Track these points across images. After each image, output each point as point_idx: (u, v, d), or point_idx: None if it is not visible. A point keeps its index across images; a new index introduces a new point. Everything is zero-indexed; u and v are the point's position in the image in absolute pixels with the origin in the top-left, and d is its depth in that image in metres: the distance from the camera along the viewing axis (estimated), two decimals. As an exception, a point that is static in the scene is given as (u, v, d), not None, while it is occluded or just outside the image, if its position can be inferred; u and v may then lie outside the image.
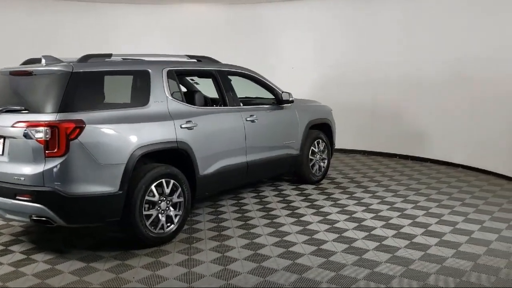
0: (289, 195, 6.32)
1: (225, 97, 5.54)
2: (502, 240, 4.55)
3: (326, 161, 7.14)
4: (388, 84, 9.03)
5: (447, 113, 8.16)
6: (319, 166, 7.01)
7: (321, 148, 7.02)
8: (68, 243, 4.66)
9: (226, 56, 9.19)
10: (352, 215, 5.39)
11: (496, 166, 7.33)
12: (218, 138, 5.22)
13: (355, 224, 5.07)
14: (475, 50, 7.55)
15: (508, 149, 7.03)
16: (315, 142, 6.89)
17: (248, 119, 5.65)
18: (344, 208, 5.67)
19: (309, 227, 5.01)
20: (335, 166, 8.33)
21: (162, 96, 4.72)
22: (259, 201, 6.02)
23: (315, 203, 5.93)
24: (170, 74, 4.92)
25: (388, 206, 5.72)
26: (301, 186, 6.81)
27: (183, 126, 4.76)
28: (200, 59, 5.68)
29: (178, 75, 5.14)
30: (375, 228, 4.96)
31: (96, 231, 4.95)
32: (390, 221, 5.16)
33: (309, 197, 6.23)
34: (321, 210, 5.62)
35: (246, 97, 7.06)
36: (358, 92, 9.41)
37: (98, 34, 9.62)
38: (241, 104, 5.79)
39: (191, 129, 4.84)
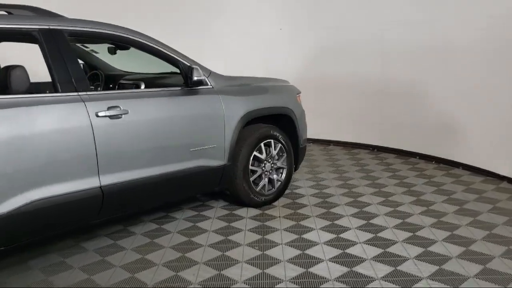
0: (204, 231, 3.98)
1: (55, 77, 3.22)
2: None
3: (284, 171, 4.69)
4: (405, 54, 6.29)
5: (489, 98, 5.35)
6: (271, 180, 4.59)
7: (274, 152, 4.58)
8: None
9: (189, 20, 6.98)
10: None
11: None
12: (20, 150, 2.93)
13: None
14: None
15: None
16: (262, 144, 4.45)
17: (101, 114, 3.30)
18: (264, 271, 3.25)
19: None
20: (319, 171, 5.84)
21: None
22: (149, 242, 3.74)
23: (229, 251, 3.56)
24: None
25: (346, 269, 3.23)
26: (237, 212, 4.44)
27: None
28: (10, 11, 3.33)
29: None
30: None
31: None
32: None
33: (230, 237, 3.85)
34: (225, 272, 3.24)
35: (172, 72, 4.75)
36: (365, 63, 6.74)
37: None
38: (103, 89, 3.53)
39: None
